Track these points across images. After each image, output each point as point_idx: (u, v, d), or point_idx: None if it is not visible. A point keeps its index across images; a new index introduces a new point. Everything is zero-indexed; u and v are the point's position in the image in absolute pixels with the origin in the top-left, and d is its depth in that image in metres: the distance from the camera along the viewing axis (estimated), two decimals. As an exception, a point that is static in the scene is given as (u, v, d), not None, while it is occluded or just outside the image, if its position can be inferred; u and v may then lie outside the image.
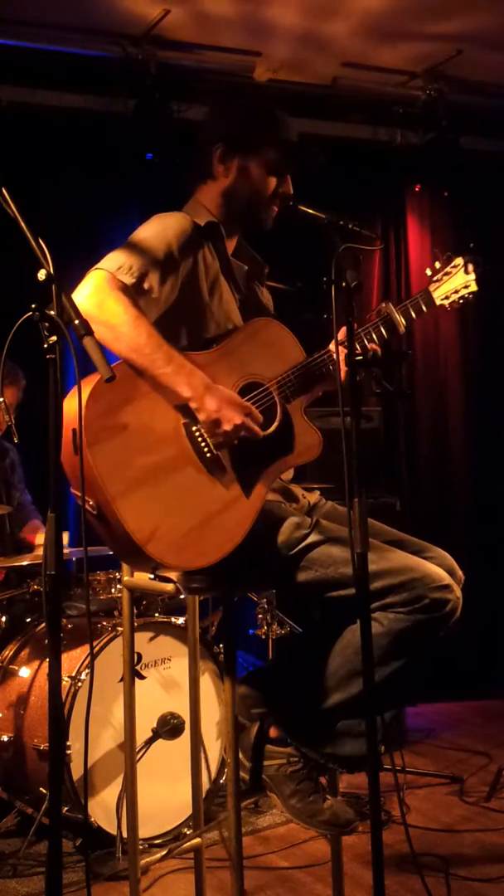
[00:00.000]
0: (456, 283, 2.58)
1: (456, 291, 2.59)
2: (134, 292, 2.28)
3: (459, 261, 2.59)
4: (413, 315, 2.53)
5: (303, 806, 2.34)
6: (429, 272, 2.60)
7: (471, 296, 2.60)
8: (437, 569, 2.28)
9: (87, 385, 2.16)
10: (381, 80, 5.10)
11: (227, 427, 2.27)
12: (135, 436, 2.22)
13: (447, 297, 2.58)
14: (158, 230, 2.39)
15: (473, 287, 2.59)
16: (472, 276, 2.58)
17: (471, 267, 2.58)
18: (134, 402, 2.24)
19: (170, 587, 2.44)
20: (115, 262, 2.29)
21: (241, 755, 2.41)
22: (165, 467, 2.24)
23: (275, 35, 4.59)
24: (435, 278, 2.59)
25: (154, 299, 2.32)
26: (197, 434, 2.29)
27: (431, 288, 2.58)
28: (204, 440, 2.29)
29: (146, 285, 2.30)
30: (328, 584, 2.29)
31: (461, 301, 2.60)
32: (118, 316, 2.21)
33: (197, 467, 2.28)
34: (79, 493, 2.05)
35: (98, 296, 2.23)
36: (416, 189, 5.59)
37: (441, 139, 5.25)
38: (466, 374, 5.71)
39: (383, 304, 2.50)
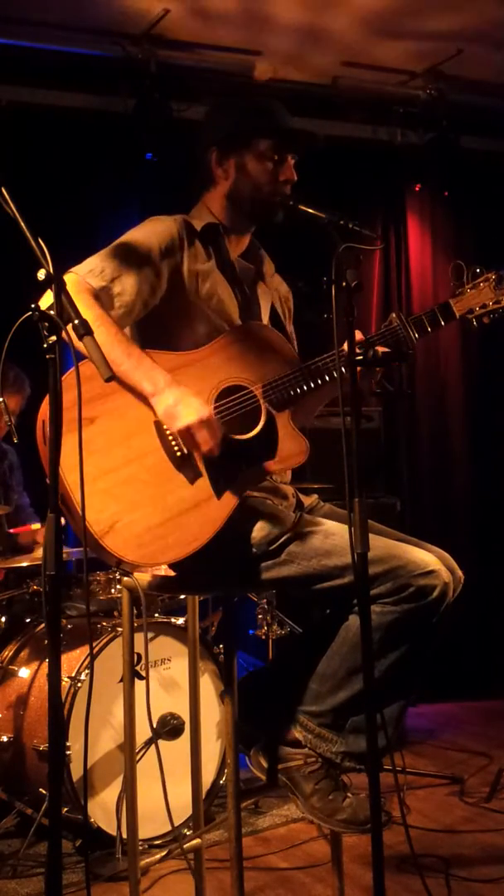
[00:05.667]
0: (483, 297, 2.43)
1: (483, 306, 2.43)
2: (103, 296, 2.30)
3: (491, 275, 2.43)
4: (428, 328, 2.41)
5: (322, 805, 2.34)
6: (454, 283, 2.44)
7: (495, 314, 2.43)
8: (423, 555, 2.27)
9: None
10: (382, 79, 5.09)
11: (179, 424, 2.23)
12: (103, 430, 2.23)
13: (471, 312, 2.43)
14: (143, 234, 2.42)
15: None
16: (502, 291, 2.42)
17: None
18: (106, 396, 2.25)
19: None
20: (87, 266, 2.33)
21: (259, 756, 2.43)
22: (133, 463, 2.25)
23: (275, 30, 4.59)
24: (458, 291, 2.44)
25: (127, 302, 2.34)
26: (168, 432, 2.30)
27: (452, 300, 2.44)
28: (175, 439, 2.30)
29: (117, 289, 2.32)
30: (312, 578, 2.28)
31: (492, 317, 2.43)
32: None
33: (166, 465, 2.28)
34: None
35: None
36: (416, 189, 5.59)
37: (441, 139, 5.25)
38: (467, 374, 5.71)
39: (393, 315, 2.42)
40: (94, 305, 2.26)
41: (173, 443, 2.29)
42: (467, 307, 2.45)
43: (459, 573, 2.40)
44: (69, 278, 2.28)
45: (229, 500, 2.32)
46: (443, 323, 2.44)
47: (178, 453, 2.29)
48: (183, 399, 2.25)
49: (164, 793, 2.57)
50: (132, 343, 2.30)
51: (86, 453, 2.14)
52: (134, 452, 2.26)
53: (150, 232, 2.43)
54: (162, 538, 2.23)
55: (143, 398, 2.28)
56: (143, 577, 2.51)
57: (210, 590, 2.82)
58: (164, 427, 2.29)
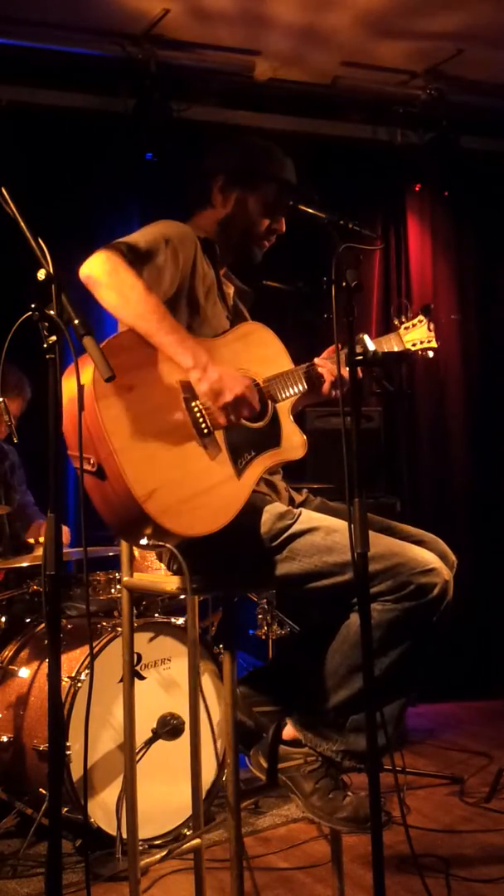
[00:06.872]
0: (421, 334, 2.72)
1: (421, 342, 2.72)
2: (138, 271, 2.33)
3: (422, 318, 2.72)
4: (384, 348, 2.65)
5: (323, 804, 2.34)
6: (396, 322, 2.73)
7: (431, 352, 2.72)
8: (423, 553, 2.28)
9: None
10: (382, 79, 5.09)
11: (228, 397, 2.29)
12: (140, 399, 2.25)
13: (413, 344, 2.71)
14: (160, 229, 2.45)
15: (434, 344, 2.71)
16: (432, 334, 2.70)
17: (431, 325, 2.70)
18: (142, 368, 2.28)
19: (171, 587, 2.44)
20: (124, 245, 2.34)
21: (259, 756, 2.43)
22: (167, 434, 2.27)
23: (274, 30, 4.58)
24: (404, 326, 2.71)
25: (156, 286, 2.36)
26: (196, 409, 2.32)
27: (401, 331, 2.71)
28: (202, 416, 2.32)
29: (146, 274, 2.34)
30: (313, 575, 2.29)
31: (422, 353, 2.72)
32: (129, 281, 2.25)
33: (194, 440, 2.31)
34: (76, 454, 2.07)
35: (111, 263, 2.28)
36: (416, 189, 5.59)
37: (441, 139, 5.25)
38: (466, 375, 5.71)
39: (358, 336, 2.54)
40: (139, 279, 2.28)
41: (200, 418, 2.32)
42: (411, 340, 2.72)
43: (452, 557, 2.44)
44: (106, 254, 2.29)
45: (248, 480, 2.37)
46: (396, 348, 2.70)
47: (206, 430, 2.32)
48: (224, 373, 2.30)
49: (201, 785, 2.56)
50: (175, 318, 2.33)
51: (126, 420, 2.20)
52: (165, 424, 2.28)
53: (168, 228, 2.46)
54: (195, 510, 2.25)
55: (178, 370, 2.30)
56: (170, 581, 2.50)
57: (211, 589, 2.82)
58: (193, 404, 2.32)
